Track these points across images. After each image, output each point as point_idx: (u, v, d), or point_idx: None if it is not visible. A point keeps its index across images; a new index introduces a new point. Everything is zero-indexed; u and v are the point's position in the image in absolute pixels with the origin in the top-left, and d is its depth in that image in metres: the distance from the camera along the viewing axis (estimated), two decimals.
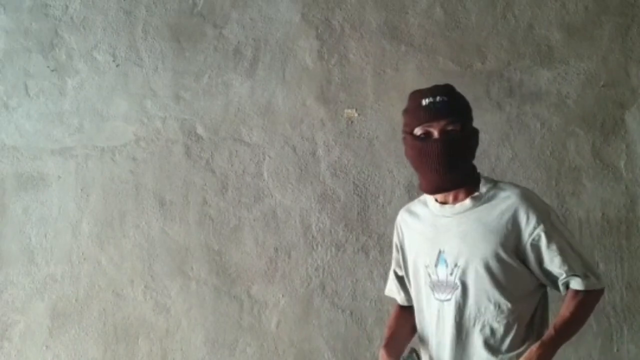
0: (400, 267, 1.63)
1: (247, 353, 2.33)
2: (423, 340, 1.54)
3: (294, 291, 2.33)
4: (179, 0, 2.52)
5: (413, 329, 1.58)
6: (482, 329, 1.41)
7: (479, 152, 2.20)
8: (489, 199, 1.44)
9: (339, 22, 2.45)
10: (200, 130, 2.45)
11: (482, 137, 2.34)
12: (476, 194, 1.45)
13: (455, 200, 1.47)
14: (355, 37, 2.43)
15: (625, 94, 2.32)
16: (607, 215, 2.27)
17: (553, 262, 1.40)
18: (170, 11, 2.52)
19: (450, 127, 1.42)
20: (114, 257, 2.41)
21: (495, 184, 1.48)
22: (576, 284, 1.40)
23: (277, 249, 2.36)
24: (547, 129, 2.33)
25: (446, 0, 2.42)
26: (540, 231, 1.40)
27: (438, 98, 1.43)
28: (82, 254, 2.42)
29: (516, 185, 1.50)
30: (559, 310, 1.43)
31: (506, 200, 1.43)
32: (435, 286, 1.46)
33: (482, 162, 2.31)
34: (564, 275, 1.40)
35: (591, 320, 2.22)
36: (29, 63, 2.54)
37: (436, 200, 1.50)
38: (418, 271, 1.52)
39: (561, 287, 1.43)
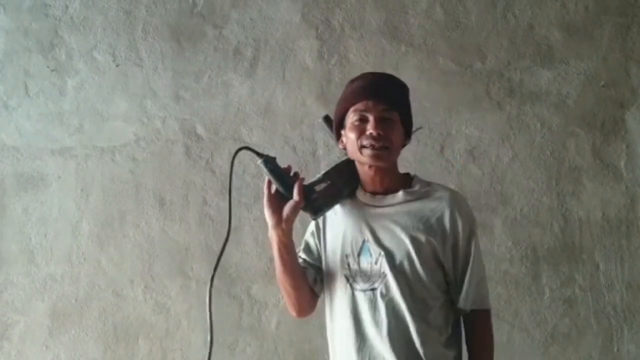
0: (312, 254, 1.57)
1: (247, 353, 2.32)
2: (335, 331, 1.48)
3: None
4: (179, 0, 2.52)
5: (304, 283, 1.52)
6: (411, 315, 1.40)
7: (479, 151, 2.20)
8: (422, 196, 1.44)
9: (339, 22, 2.45)
10: (200, 130, 2.45)
11: (482, 137, 2.37)
12: (409, 189, 1.45)
13: (387, 192, 1.46)
14: (355, 37, 2.43)
15: (625, 94, 2.32)
16: (607, 215, 2.27)
17: (459, 270, 1.43)
18: (170, 11, 2.52)
19: (387, 115, 1.39)
20: (114, 257, 2.40)
21: (428, 183, 1.49)
22: (459, 299, 1.42)
23: None
24: (547, 129, 2.33)
25: (446, 0, 2.42)
26: (462, 237, 1.42)
27: (376, 80, 1.43)
28: (82, 254, 2.42)
29: (448, 188, 1.50)
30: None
31: (438, 200, 1.43)
32: (356, 276, 1.44)
33: (482, 162, 2.32)
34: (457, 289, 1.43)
35: (591, 320, 2.22)
36: (29, 63, 2.54)
37: (365, 190, 1.49)
38: (335, 261, 1.49)
39: (453, 296, 1.44)
